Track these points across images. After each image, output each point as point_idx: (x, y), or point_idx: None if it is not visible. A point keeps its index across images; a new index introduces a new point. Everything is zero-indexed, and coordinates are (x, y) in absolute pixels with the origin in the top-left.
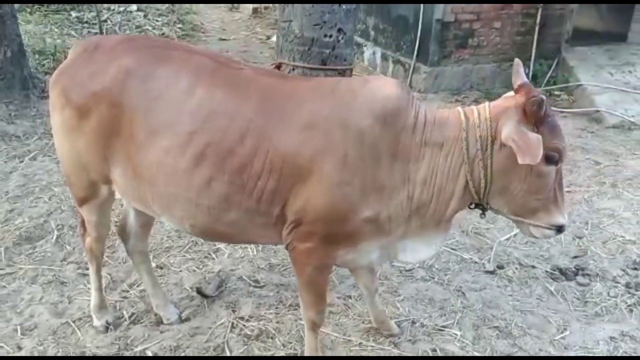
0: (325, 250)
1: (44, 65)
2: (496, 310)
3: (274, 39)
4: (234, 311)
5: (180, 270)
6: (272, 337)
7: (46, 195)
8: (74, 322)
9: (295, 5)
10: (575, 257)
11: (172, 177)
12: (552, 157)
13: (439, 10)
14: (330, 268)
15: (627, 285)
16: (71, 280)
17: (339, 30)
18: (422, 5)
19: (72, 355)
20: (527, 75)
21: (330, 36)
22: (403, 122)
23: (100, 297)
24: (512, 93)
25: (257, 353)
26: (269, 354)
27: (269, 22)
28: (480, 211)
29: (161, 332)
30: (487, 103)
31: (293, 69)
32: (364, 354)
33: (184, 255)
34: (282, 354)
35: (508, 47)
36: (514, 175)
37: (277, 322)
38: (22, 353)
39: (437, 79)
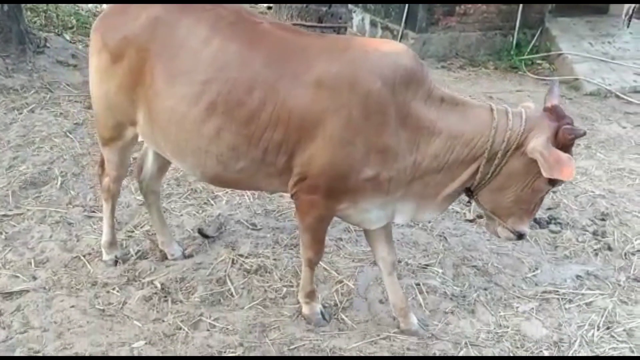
0: (327, 203)
1: (35, 22)
2: (475, 252)
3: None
4: (233, 249)
5: (181, 215)
6: (269, 272)
7: (47, 145)
8: (84, 256)
9: None
10: (549, 209)
11: (184, 124)
12: (556, 181)
13: None
14: (330, 219)
15: (594, 233)
16: (78, 221)
17: None
18: None
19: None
20: (511, 43)
21: None
22: (414, 94)
23: (112, 234)
24: (529, 104)
25: (256, 285)
26: (266, 285)
27: None
28: (466, 196)
29: (167, 266)
30: (522, 110)
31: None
32: (351, 284)
33: (184, 202)
34: (278, 286)
35: (494, 15)
36: (515, 182)
37: (274, 259)
38: (38, 282)
39: (424, 46)
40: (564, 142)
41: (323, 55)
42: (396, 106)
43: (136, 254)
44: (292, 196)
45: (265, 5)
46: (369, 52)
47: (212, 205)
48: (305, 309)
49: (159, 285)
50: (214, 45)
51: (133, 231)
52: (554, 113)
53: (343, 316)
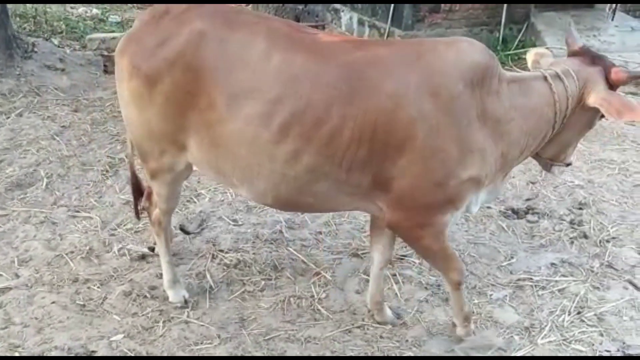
0: (433, 219)
1: (24, 28)
2: (452, 243)
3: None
4: (214, 245)
5: None
6: (249, 266)
7: (34, 148)
8: (66, 254)
9: None
10: (528, 199)
11: (255, 147)
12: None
13: None
14: (444, 233)
15: (571, 222)
16: (62, 220)
17: None
18: None
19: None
20: (497, 39)
21: None
22: (489, 87)
23: (172, 271)
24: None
25: (235, 278)
26: (245, 279)
27: None
28: None
29: (147, 262)
30: (566, 67)
31: None
32: (328, 276)
33: None
34: (257, 279)
35: (479, 11)
36: (575, 131)
37: (254, 254)
38: (20, 280)
39: None
40: (617, 83)
41: (398, 65)
42: (476, 103)
43: (119, 250)
44: (392, 228)
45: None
46: (443, 55)
47: (194, 202)
48: (462, 332)
49: (139, 281)
50: (276, 59)
51: (116, 229)
52: (587, 56)
53: (319, 307)
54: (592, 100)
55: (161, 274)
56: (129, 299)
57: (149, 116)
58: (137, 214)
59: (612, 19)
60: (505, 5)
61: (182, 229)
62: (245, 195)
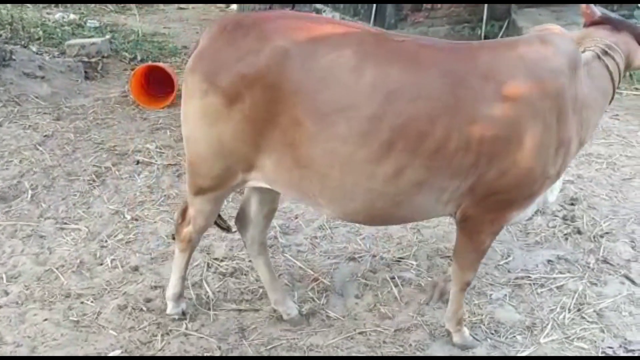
0: (507, 215)
1: (0, 35)
2: (448, 244)
3: (233, 6)
4: (208, 253)
5: (155, 222)
6: (245, 274)
7: (16, 159)
8: (56, 269)
9: None
10: None
11: (351, 167)
12: None
13: None
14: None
15: (564, 218)
16: (50, 233)
17: None
18: None
19: (56, 295)
20: (479, 36)
21: None
22: (579, 75)
23: (181, 286)
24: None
25: (232, 287)
26: (243, 288)
27: None
28: None
29: (141, 274)
30: (608, 42)
31: None
32: (327, 281)
33: (158, 208)
34: (255, 287)
35: (461, 9)
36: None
37: (250, 262)
38: (10, 297)
39: None
40: None
41: (497, 67)
42: (572, 95)
43: (111, 262)
44: (462, 219)
45: (236, 8)
46: (541, 51)
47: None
48: (457, 338)
49: (133, 293)
50: (369, 74)
51: (106, 241)
52: (610, 23)
53: (320, 313)
54: (638, 64)
55: (156, 286)
56: (124, 313)
57: (221, 134)
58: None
59: None
60: (486, 2)
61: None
62: (330, 214)
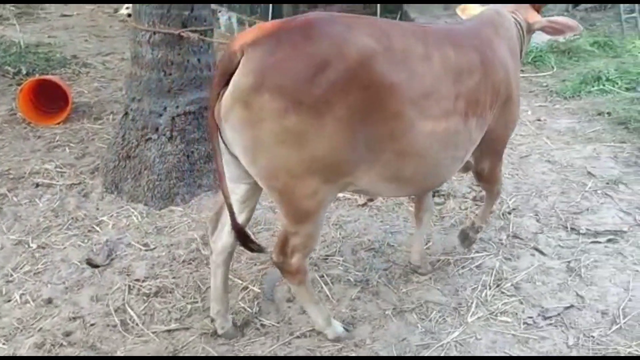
0: (502, 153)
1: None
2: (370, 236)
3: (122, 11)
4: (128, 275)
5: (65, 247)
6: (170, 292)
7: None
8: None
9: None
10: None
11: (445, 142)
12: None
13: None
14: None
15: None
16: None
17: None
18: None
19: None
20: None
21: None
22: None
23: (325, 309)
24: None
25: (158, 308)
26: (170, 306)
27: None
28: None
29: (56, 306)
30: (517, 11)
31: (154, 34)
32: (256, 288)
33: (66, 233)
34: (183, 304)
35: (355, 5)
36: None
37: (174, 278)
38: None
39: None
40: (539, 10)
41: (497, 40)
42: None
43: (20, 297)
44: (480, 172)
45: (125, 12)
46: (506, 22)
47: (97, 231)
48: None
49: (50, 329)
50: (436, 58)
51: (12, 274)
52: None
53: (253, 322)
54: (539, 25)
55: (74, 317)
56: (42, 351)
57: (314, 150)
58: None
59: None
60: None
61: (90, 263)
62: (405, 194)
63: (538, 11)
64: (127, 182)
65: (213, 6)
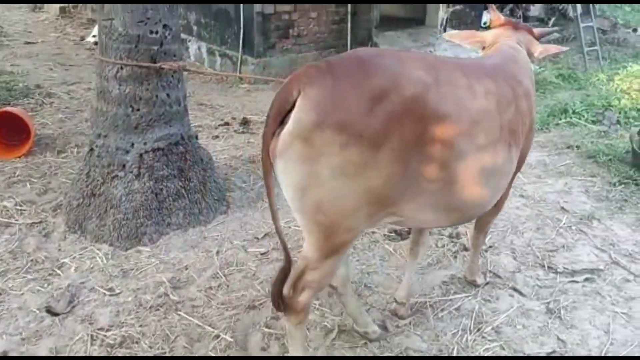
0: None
1: None
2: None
3: (89, 39)
4: (91, 323)
5: (22, 293)
6: (136, 342)
7: None
8: None
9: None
10: None
11: (493, 171)
12: None
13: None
14: None
15: (450, 236)
16: None
17: (165, 26)
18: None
19: None
20: None
21: (157, 32)
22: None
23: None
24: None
25: None
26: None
27: (81, 22)
28: None
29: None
30: (513, 37)
31: (121, 68)
32: (229, 337)
33: (24, 277)
34: (150, 355)
35: (326, 35)
36: None
37: (140, 326)
38: None
39: (265, 69)
40: (539, 37)
41: (516, 72)
42: None
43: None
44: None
45: (92, 40)
46: (522, 56)
47: (58, 275)
48: (480, 280)
49: None
50: (478, 90)
51: None
52: (512, 24)
53: None
54: (538, 52)
55: None
56: None
57: (369, 181)
58: (279, 306)
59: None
60: (349, 27)
61: (49, 311)
62: (447, 223)
63: (538, 39)
64: (91, 221)
65: (182, 35)
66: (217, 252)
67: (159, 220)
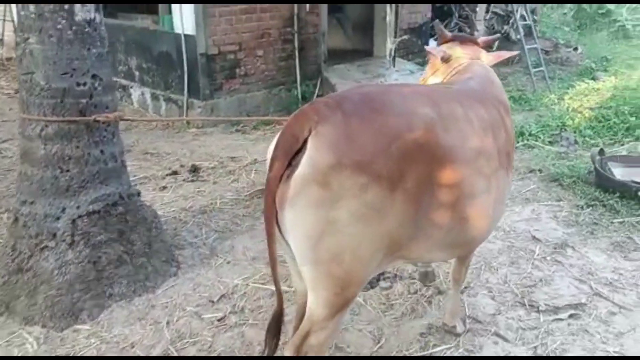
0: None
1: None
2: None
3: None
4: None
5: None
6: None
7: None
8: None
9: (35, 54)
10: None
11: (498, 199)
12: None
13: (202, 43)
14: None
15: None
16: None
17: (94, 76)
18: (182, 41)
19: None
20: (296, 96)
21: (85, 84)
22: None
23: None
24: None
25: None
26: None
27: (15, 75)
28: None
29: None
30: (479, 58)
31: (46, 125)
32: None
33: None
34: None
35: (274, 72)
36: None
37: None
38: None
39: (213, 112)
40: (486, 47)
41: (495, 92)
42: None
43: None
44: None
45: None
46: (493, 76)
47: None
48: (460, 327)
49: None
50: (473, 118)
51: None
52: (459, 39)
53: None
54: (489, 61)
55: None
56: None
57: (387, 225)
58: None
59: (393, 65)
60: (297, 63)
61: None
62: (455, 256)
63: (484, 48)
64: (19, 301)
65: (124, 82)
66: (168, 323)
67: (99, 292)
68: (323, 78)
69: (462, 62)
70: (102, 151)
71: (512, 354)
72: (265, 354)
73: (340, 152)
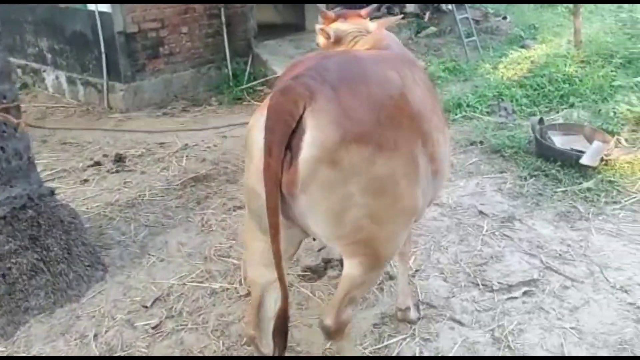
0: None
1: None
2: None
3: None
4: None
5: None
6: None
7: None
8: None
9: None
10: (320, 249)
11: (447, 151)
12: None
13: (119, 21)
14: None
15: None
16: None
17: None
18: (97, 19)
19: None
20: (227, 75)
21: None
22: None
23: None
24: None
25: None
26: None
27: None
28: None
29: None
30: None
31: None
32: None
33: None
34: None
35: (201, 50)
36: None
37: None
38: None
39: (136, 95)
40: (367, 17)
41: (411, 55)
42: None
43: None
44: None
45: None
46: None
47: None
48: (413, 314)
49: None
50: (417, 78)
51: None
52: (340, 16)
53: None
54: (377, 30)
55: None
56: None
57: (400, 191)
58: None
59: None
60: (225, 40)
61: None
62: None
63: (368, 19)
64: None
65: (35, 65)
66: (95, 335)
67: (12, 307)
68: (254, 54)
69: (355, 36)
70: (2, 148)
71: (469, 339)
72: (275, 355)
73: (342, 128)
